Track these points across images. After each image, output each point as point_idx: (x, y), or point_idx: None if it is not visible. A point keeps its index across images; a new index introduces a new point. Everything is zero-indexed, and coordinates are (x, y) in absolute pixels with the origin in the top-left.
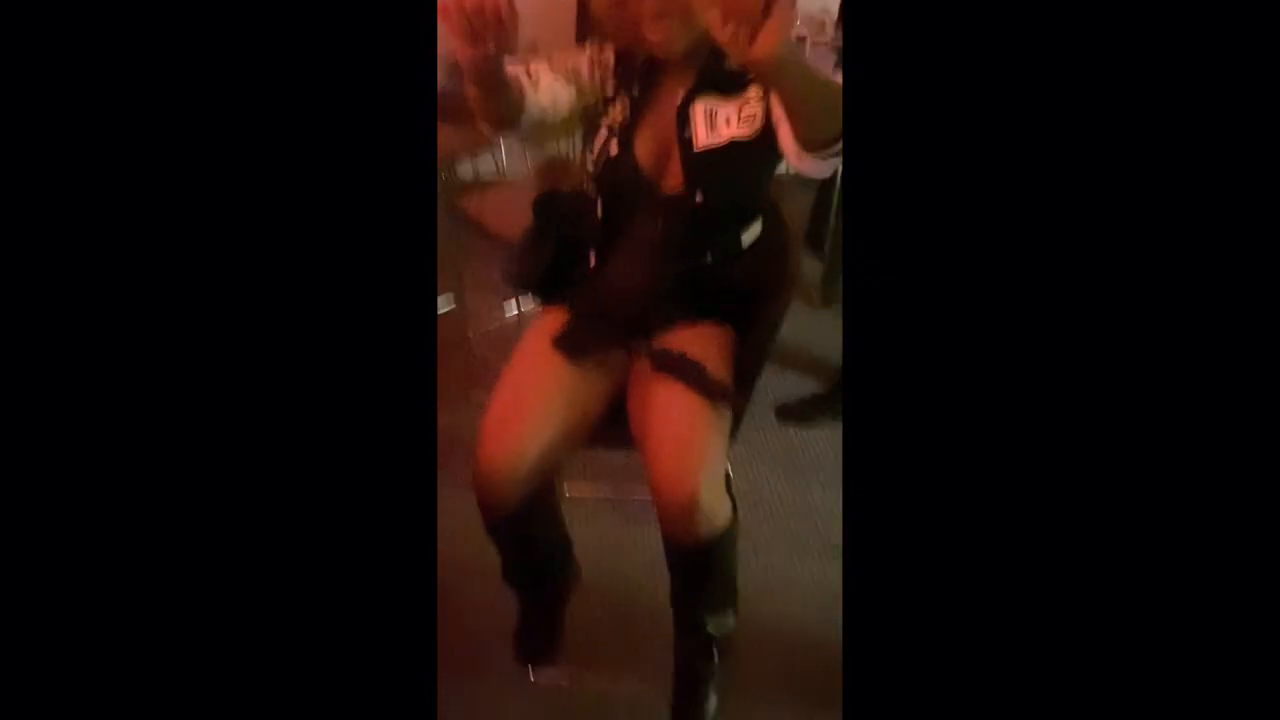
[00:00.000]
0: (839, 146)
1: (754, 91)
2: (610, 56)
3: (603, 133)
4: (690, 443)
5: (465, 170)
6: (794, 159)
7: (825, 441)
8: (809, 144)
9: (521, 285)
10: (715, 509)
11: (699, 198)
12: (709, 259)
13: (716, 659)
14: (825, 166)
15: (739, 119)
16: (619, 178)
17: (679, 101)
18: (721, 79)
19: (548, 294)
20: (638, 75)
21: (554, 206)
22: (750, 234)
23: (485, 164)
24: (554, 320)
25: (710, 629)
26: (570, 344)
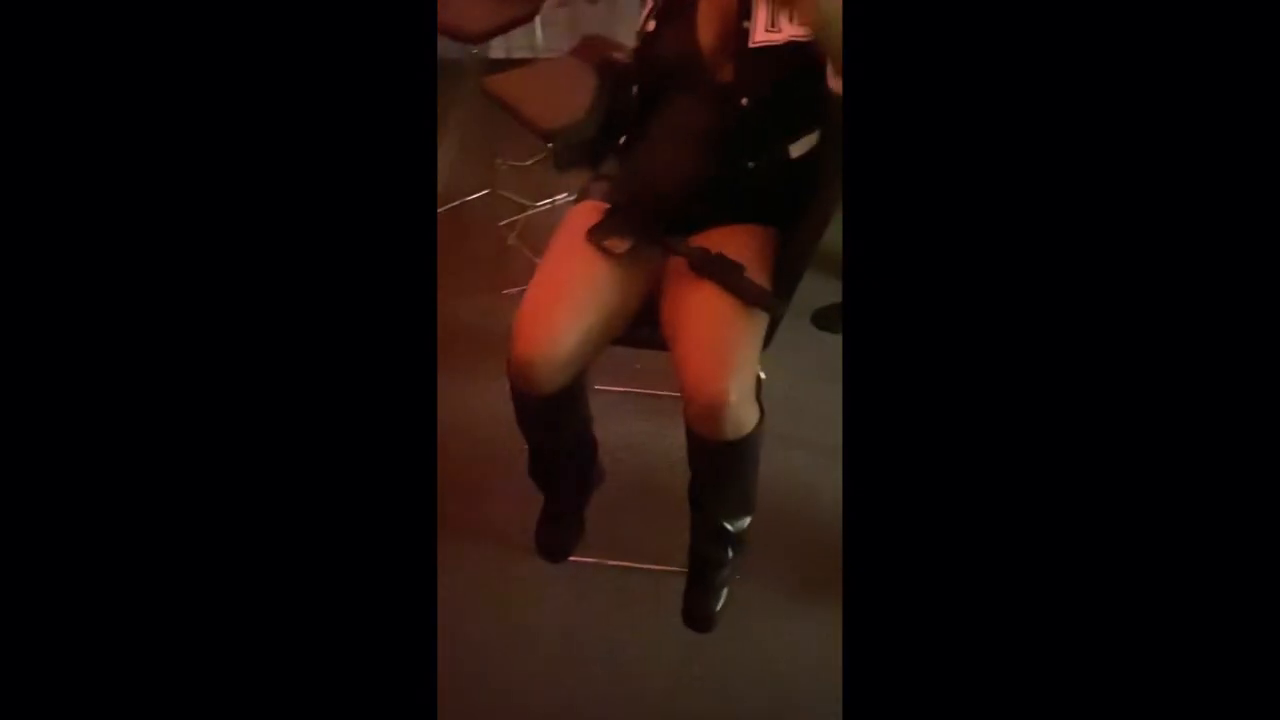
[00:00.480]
0: None
1: None
2: None
3: (649, 4)
4: (723, 344)
5: (498, 47)
6: (833, 82)
7: None
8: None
9: (568, 150)
10: (743, 412)
11: (744, 100)
12: (750, 165)
13: (730, 554)
14: None
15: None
16: (656, 58)
17: None
18: None
19: (585, 165)
20: None
21: (607, 72)
22: (801, 146)
23: (520, 43)
24: (590, 211)
25: (728, 529)
26: (604, 235)
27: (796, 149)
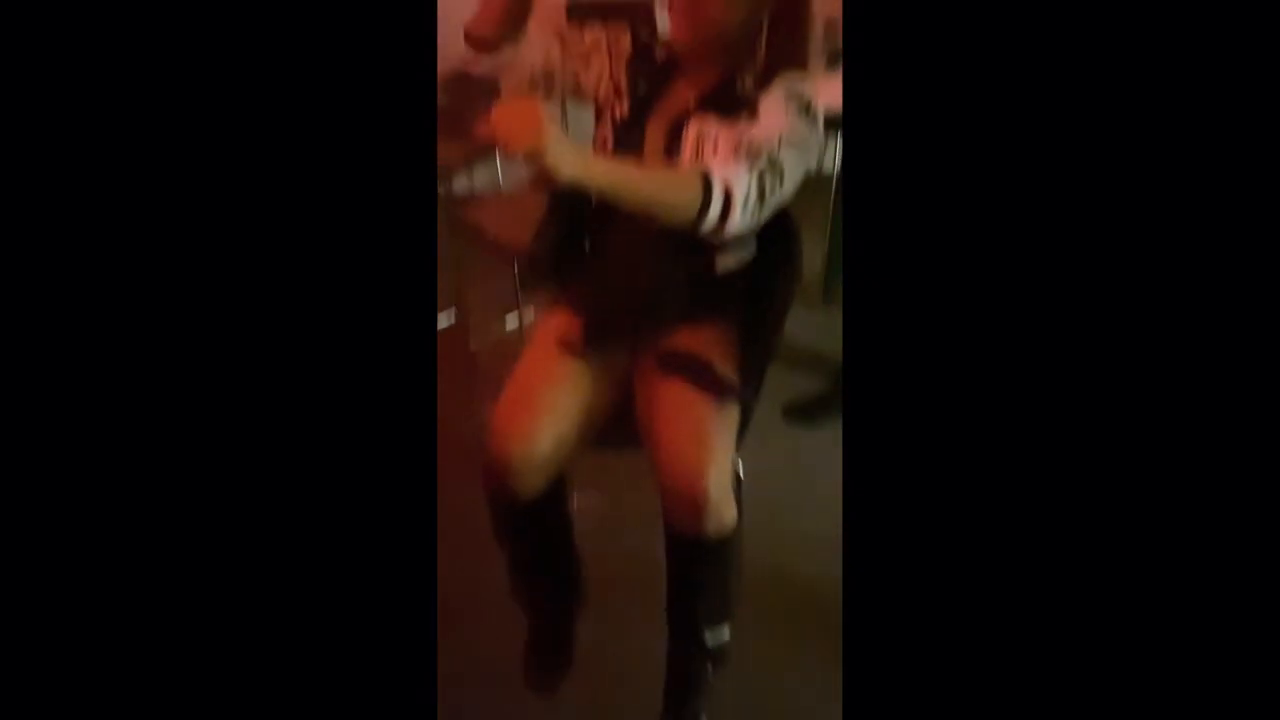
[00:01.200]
0: (710, 214)
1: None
2: (626, 44)
3: (604, 123)
4: (699, 439)
5: (462, 184)
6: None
7: (836, 439)
8: (682, 229)
9: (531, 268)
10: (723, 507)
11: None
12: (680, 275)
13: (711, 671)
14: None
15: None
16: None
17: (678, 112)
18: (728, 99)
19: (551, 277)
20: (645, 72)
21: (564, 191)
22: (729, 260)
23: (482, 179)
24: (558, 319)
25: (707, 640)
26: (573, 339)
27: (723, 263)
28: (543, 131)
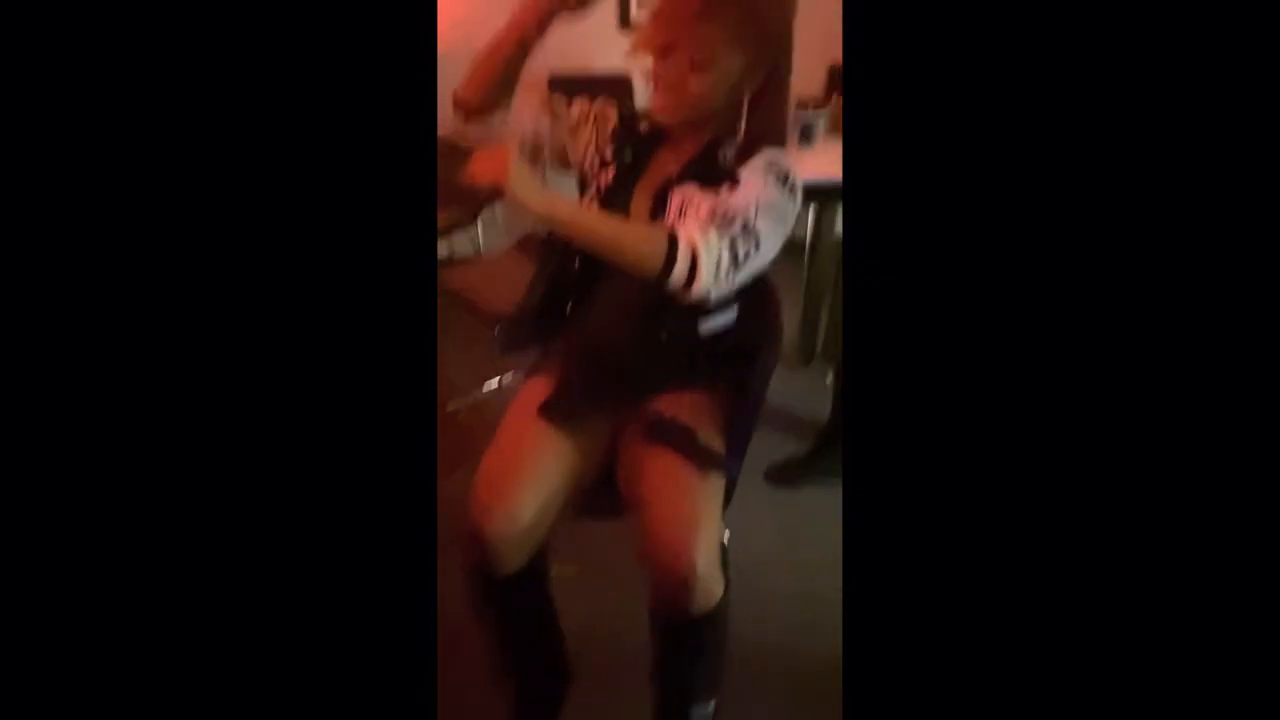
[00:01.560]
0: (676, 272)
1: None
2: (612, 116)
3: (590, 191)
4: (685, 512)
5: (441, 249)
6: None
7: (818, 500)
8: (649, 283)
9: (513, 331)
10: (712, 580)
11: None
12: (664, 338)
13: None
14: (692, 292)
15: None
16: None
17: (663, 181)
18: (710, 169)
19: (533, 341)
20: (631, 143)
21: (548, 253)
22: (713, 323)
23: (461, 245)
24: (539, 386)
25: (693, 713)
26: (555, 409)
27: (707, 325)
28: (509, 167)
